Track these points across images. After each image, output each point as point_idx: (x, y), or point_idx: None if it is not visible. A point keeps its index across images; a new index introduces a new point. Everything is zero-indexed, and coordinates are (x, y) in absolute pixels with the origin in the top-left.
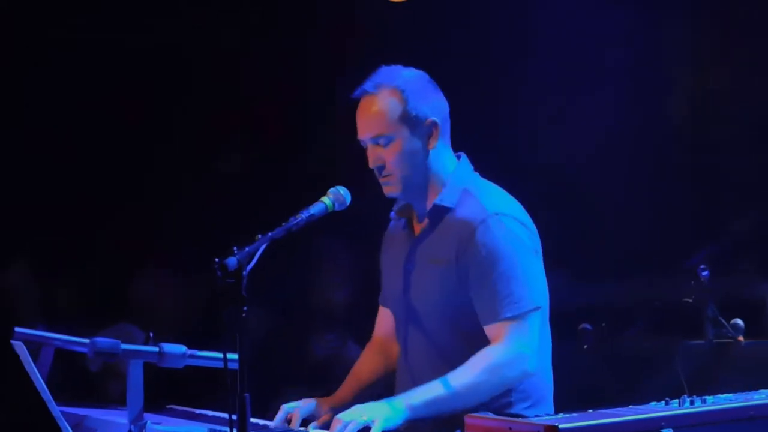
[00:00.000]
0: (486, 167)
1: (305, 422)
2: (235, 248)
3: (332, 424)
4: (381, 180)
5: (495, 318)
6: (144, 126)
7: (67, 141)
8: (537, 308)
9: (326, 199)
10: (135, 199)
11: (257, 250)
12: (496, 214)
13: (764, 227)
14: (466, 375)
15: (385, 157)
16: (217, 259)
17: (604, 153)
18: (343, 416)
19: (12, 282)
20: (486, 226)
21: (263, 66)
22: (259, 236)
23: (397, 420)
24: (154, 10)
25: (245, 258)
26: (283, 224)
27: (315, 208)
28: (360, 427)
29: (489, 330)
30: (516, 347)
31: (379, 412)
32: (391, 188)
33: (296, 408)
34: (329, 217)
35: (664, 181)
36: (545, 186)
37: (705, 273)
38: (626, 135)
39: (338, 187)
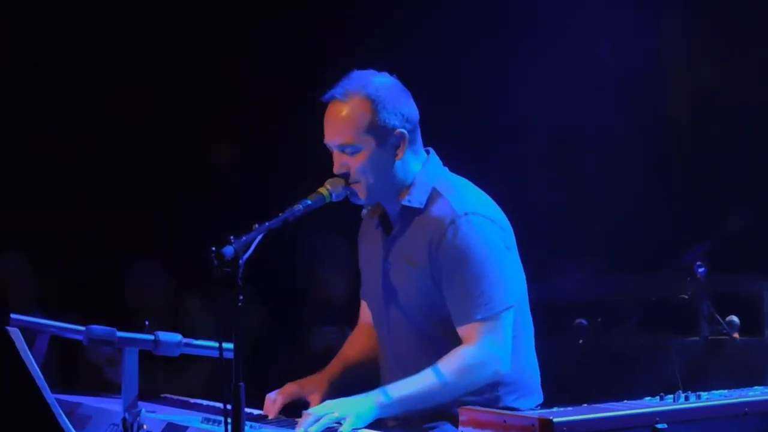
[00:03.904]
0: (484, 166)
1: (293, 407)
2: (231, 237)
3: (302, 418)
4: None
5: (467, 319)
6: (138, 120)
7: (62, 135)
8: (509, 308)
9: (324, 190)
10: (130, 192)
11: (254, 239)
12: (466, 213)
13: (760, 224)
14: (438, 375)
15: (351, 165)
16: (213, 248)
17: (601, 150)
18: (314, 410)
19: (7, 272)
20: (456, 227)
21: (261, 61)
22: (256, 226)
23: (368, 418)
24: (152, 9)
25: (242, 247)
26: (281, 214)
27: (312, 199)
28: (331, 423)
29: (462, 331)
30: (488, 349)
31: (350, 409)
32: (357, 195)
33: (276, 397)
34: (328, 207)
35: (661, 178)
36: (543, 183)
37: (701, 270)
38: (623, 132)
39: (336, 178)
